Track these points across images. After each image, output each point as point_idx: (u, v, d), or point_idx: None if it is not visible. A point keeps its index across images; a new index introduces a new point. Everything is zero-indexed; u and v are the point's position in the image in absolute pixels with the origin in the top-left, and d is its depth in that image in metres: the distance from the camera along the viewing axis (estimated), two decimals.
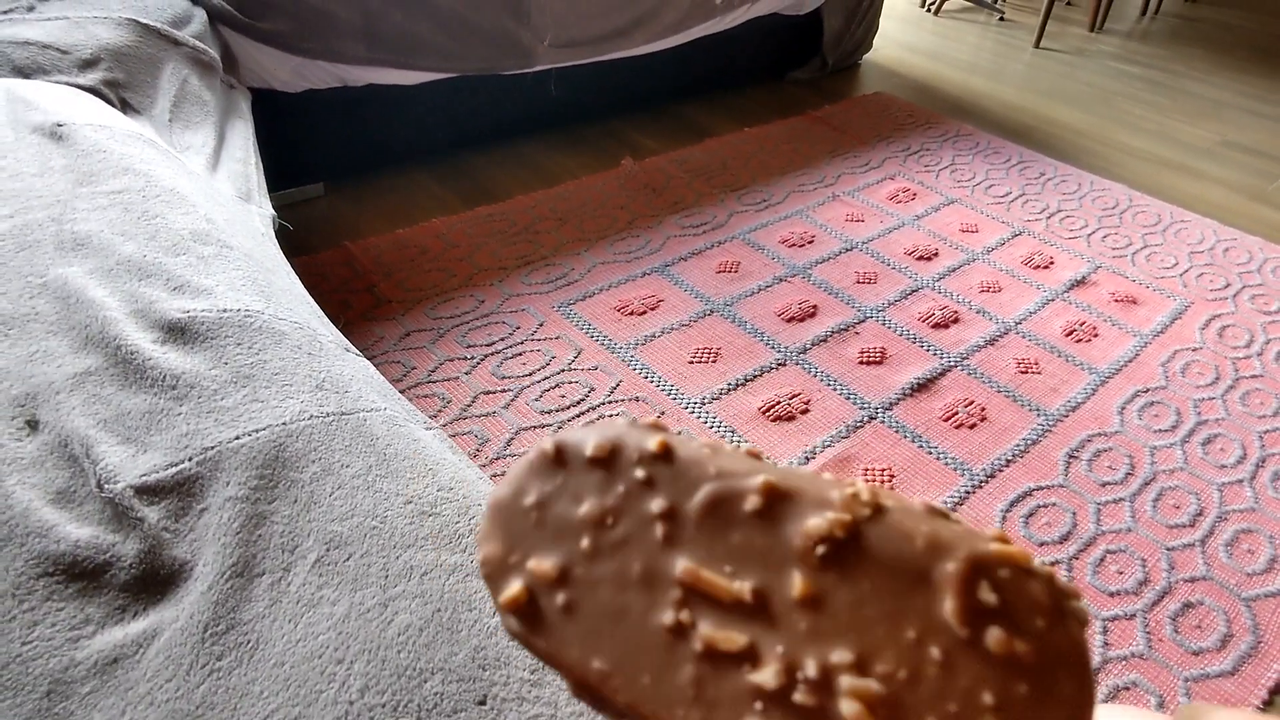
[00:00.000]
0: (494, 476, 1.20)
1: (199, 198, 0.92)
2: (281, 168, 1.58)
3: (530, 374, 1.41)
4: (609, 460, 0.23)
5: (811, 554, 0.21)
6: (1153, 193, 2.17)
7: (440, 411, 1.32)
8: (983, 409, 1.42)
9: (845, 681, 0.19)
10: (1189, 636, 1.09)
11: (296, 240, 1.65)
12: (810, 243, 1.85)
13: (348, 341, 0.82)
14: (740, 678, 0.20)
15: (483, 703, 0.48)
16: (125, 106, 1.17)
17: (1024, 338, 1.60)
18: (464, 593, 0.53)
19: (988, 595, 0.20)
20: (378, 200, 1.91)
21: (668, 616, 0.21)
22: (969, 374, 1.49)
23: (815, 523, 0.21)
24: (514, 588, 0.22)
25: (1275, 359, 1.59)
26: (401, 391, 0.87)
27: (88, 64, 1.17)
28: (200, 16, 1.43)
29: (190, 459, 0.58)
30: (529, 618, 0.22)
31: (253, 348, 0.68)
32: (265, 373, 0.66)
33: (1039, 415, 1.41)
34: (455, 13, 1.81)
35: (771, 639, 0.20)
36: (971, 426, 1.38)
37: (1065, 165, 2.29)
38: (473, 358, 1.44)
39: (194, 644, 0.49)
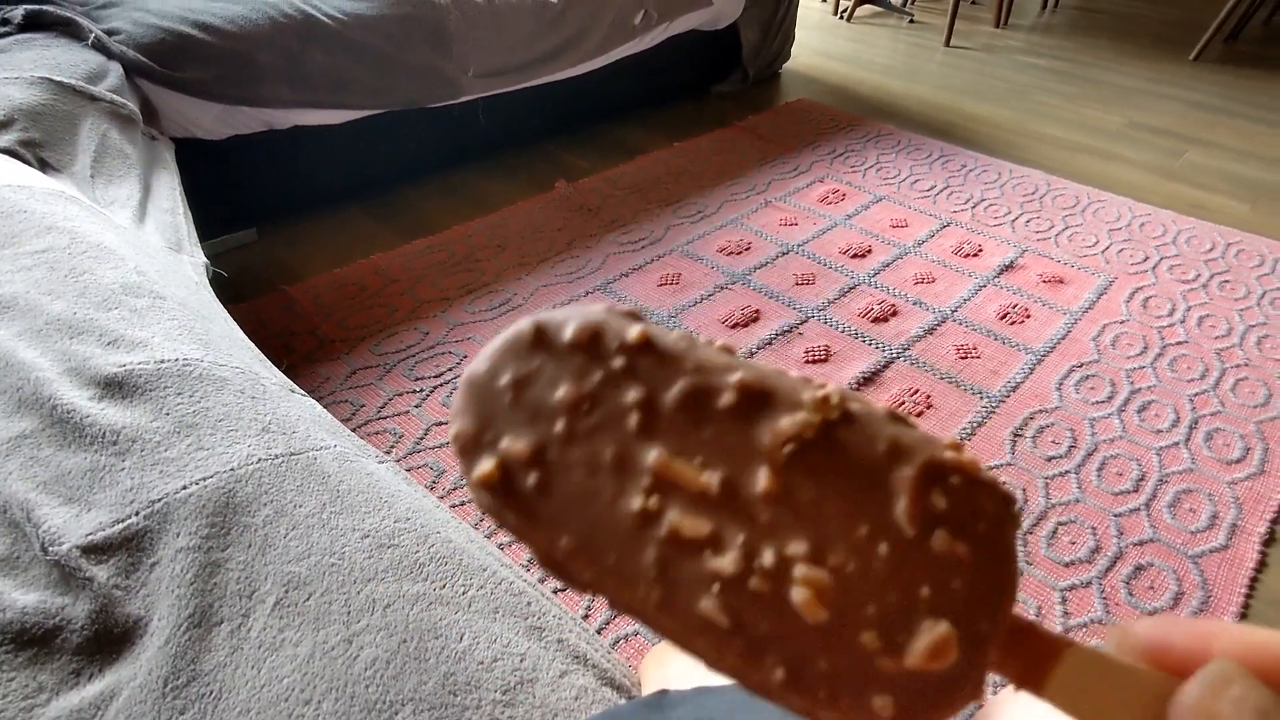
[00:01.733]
0: (453, 507, 1.19)
1: (128, 251, 0.90)
2: (212, 215, 1.55)
3: None
4: (588, 346, 0.23)
5: (780, 452, 0.22)
6: (1069, 176, 2.26)
7: (394, 446, 1.31)
8: (928, 397, 1.45)
9: (799, 570, 0.20)
10: (1143, 598, 1.12)
11: (233, 288, 1.62)
12: (747, 249, 1.88)
13: (292, 383, 0.81)
14: (701, 563, 0.21)
15: None
16: (44, 165, 1.14)
17: (961, 324, 1.64)
18: (429, 621, 0.53)
19: (939, 500, 0.21)
20: (313, 241, 1.89)
21: (637, 502, 0.22)
22: (911, 364, 1.53)
23: (786, 423, 0.22)
24: (487, 465, 0.22)
25: (1197, 325, 1.66)
26: (352, 430, 0.86)
27: (1, 126, 1.14)
28: (116, 70, 1.41)
29: (137, 513, 0.57)
30: (501, 494, 0.22)
31: (194, 396, 0.67)
32: (209, 420, 0.65)
33: (982, 398, 1.45)
34: (377, 49, 1.80)
35: (734, 529, 0.21)
36: (919, 415, 1.41)
37: (985, 156, 2.36)
38: (422, 390, 1.43)
39: (154, 700, 0.48)
